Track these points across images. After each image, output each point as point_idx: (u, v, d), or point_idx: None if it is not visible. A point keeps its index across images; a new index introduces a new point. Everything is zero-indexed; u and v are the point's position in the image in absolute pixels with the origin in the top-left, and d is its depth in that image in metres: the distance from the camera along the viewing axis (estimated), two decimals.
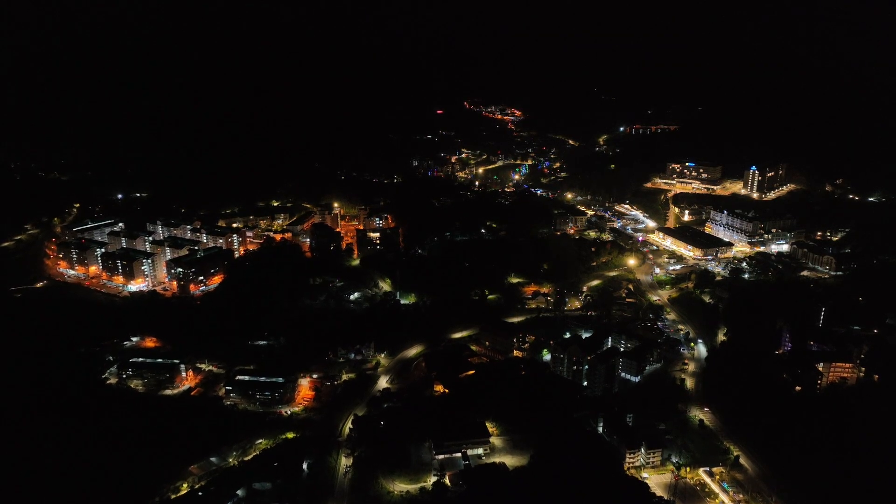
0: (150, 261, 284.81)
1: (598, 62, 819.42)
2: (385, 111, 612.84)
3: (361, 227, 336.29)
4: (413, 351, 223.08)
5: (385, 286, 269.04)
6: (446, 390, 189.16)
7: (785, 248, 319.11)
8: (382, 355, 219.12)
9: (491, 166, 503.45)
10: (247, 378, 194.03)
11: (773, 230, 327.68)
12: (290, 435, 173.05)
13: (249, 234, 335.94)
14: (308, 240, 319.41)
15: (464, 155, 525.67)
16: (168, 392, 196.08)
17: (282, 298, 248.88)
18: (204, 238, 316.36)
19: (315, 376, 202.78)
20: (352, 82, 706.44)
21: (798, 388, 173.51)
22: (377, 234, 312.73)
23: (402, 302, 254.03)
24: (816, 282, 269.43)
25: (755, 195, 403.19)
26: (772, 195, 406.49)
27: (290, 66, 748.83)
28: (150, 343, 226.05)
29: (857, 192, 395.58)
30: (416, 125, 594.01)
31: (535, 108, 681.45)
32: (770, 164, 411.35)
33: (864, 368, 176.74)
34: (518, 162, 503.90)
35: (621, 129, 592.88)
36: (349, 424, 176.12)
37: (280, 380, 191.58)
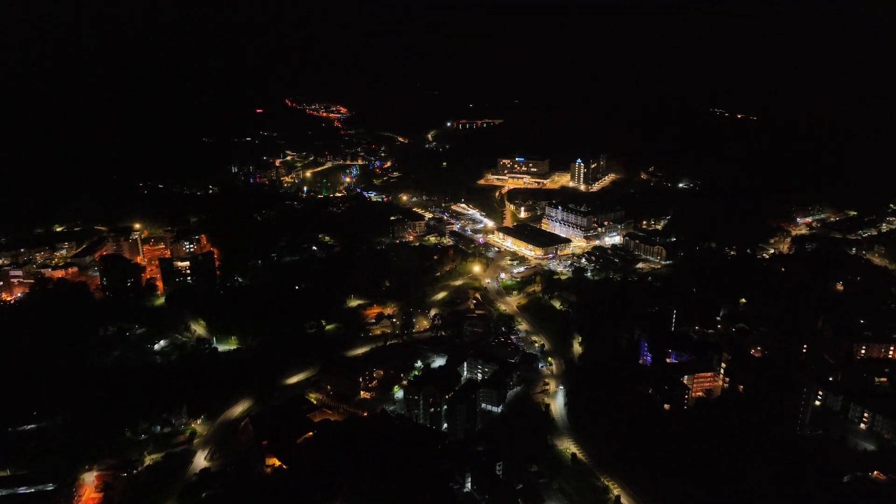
0: None
1: (419, 56, 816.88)
2: (198, 111, 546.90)
3: (168, 255, 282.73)
4: (238, 409, 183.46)
5: (199, 329, 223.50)
6: (282, 464, 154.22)
7: (617, 239, 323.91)
8: (198, 421, 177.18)
9: (319, 168, 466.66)
10: None
11: (606, 223, 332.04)
12: None
13: (17, 272, 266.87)
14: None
15: (289, 157, 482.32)
16: None
17: (60, 360, 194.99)
18: None
19: (104, 469, 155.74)
20: (158, 79, 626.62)
21: (667, 406, 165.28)
22: (187, 263, 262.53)
23: (221, 348, 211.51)
24: (653, 274, 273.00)
25: (582, 187, 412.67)
26: (596, 186, 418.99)
27: (85, 60, 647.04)
28: None
29: (669, 179, 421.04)
30: (234, 126, 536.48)
31: (361, 104, 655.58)
32: (592, 156, 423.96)
33: (727, 379, 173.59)
34: (348, 162, 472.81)
35: (448, 124, 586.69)
36: None
37: (50, 486, 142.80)
